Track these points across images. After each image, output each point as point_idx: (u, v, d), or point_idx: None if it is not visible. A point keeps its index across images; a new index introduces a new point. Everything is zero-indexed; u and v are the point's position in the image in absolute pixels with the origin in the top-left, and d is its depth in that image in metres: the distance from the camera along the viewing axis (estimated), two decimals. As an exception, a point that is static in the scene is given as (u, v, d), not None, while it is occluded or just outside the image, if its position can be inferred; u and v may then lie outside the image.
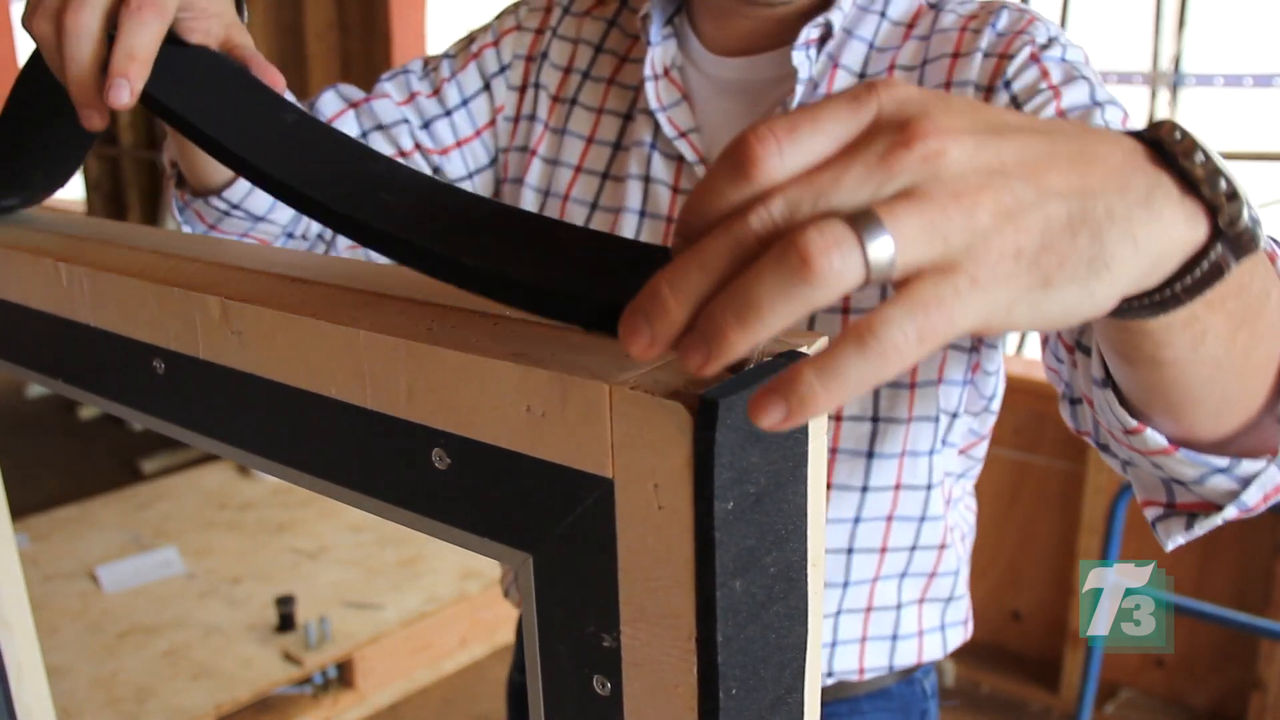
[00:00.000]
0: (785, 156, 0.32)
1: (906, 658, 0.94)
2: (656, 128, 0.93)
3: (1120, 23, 3.04)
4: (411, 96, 0.98)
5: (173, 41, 0.60)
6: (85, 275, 0.58)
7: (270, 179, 0.47)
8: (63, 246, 0.63)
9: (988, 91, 0.81)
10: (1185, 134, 0.39)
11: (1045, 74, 0.80)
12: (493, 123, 1.00)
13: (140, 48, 0.56)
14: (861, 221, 0.31)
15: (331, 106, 0.97)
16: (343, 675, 2.74)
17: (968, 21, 0.86)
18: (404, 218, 0.43)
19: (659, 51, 0.93)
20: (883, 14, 0.89)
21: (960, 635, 0.99)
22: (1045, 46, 0.82)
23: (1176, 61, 2.78)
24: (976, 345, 0.88)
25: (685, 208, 0.34)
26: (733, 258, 0.32)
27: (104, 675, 2.56)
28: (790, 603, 0.38)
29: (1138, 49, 2.83)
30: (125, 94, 0.55)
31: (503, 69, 1.00)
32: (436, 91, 0.99)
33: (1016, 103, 0.79)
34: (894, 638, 0.93)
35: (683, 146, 0.91)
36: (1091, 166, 0.35)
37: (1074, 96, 0.78)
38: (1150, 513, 0.66)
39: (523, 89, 0.99)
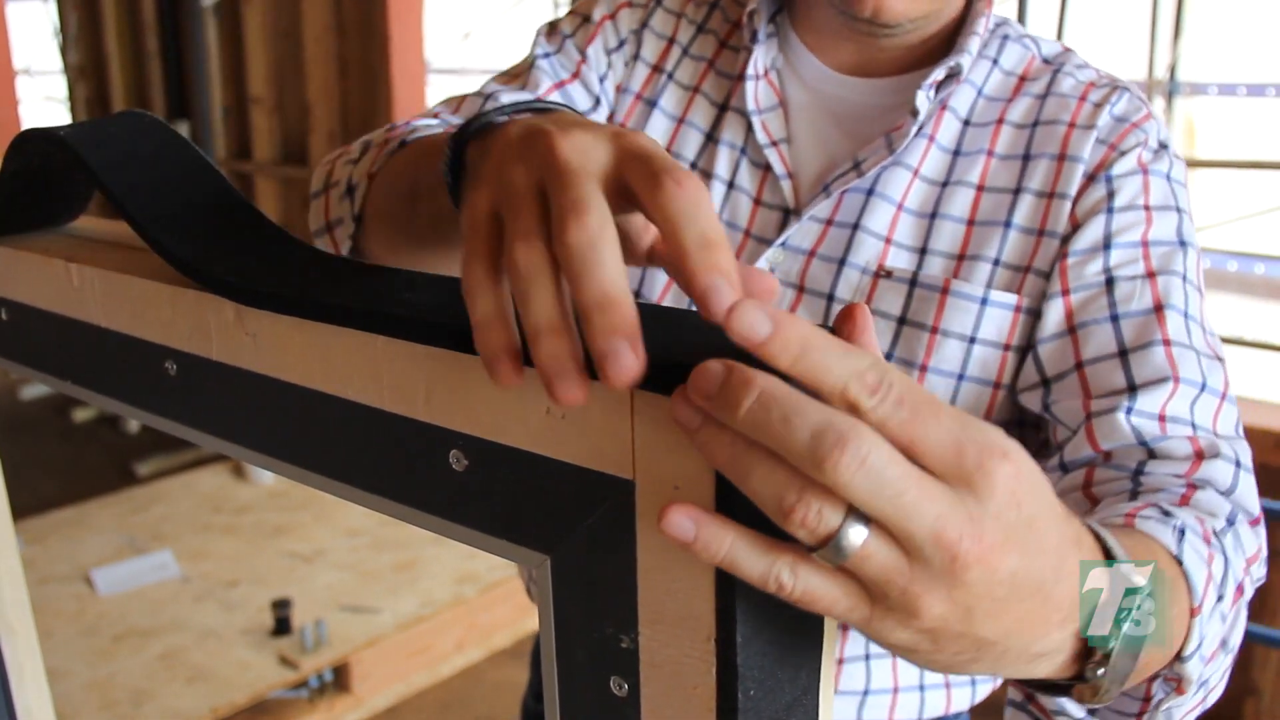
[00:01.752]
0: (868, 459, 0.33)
1: (935, 708, 0.92)
2: (748, 131, 0.89)
3: (1116, 30, 3.05)
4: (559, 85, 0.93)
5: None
6: (97, 276, 0.58)
7: (301, 301, 0.46)
8: (74, 248, 0.63)
9: (1089, 179, 0.80)
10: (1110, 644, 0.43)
11: (1146, 189, 0.80)
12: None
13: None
14: (848, 532, 0.34)
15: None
16: (339, 679, 2.73)
17: (1087, 90, 0.84)
18: (432, 309, 0.43)
19: (761, 51, 0.89)
20: (995, 61, 0.87)
21: (989, 686, 0.96)
22: (1156, 154, 0.81)
23: (1172, 70, 2.79)
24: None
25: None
26: (773, 436, 0.33)
27: (99, 678, 2.55)
28: (807, 604, 0.38)
29: (1134, 57, 2.84)
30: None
31: (621, 43, 0.95)
32: (576, 74, 0.93)
33: (1111, 202, 0.79)
34: (921, 688, 0.91)
35: (772, 156, 0.87)
36: (1035, 620, 0.39)
37: (1162, 229, 0.79)
38: (1012, 695, 0.68)
39: (627, 63, 0.95)
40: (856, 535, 0.34)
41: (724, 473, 0.34)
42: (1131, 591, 0.43)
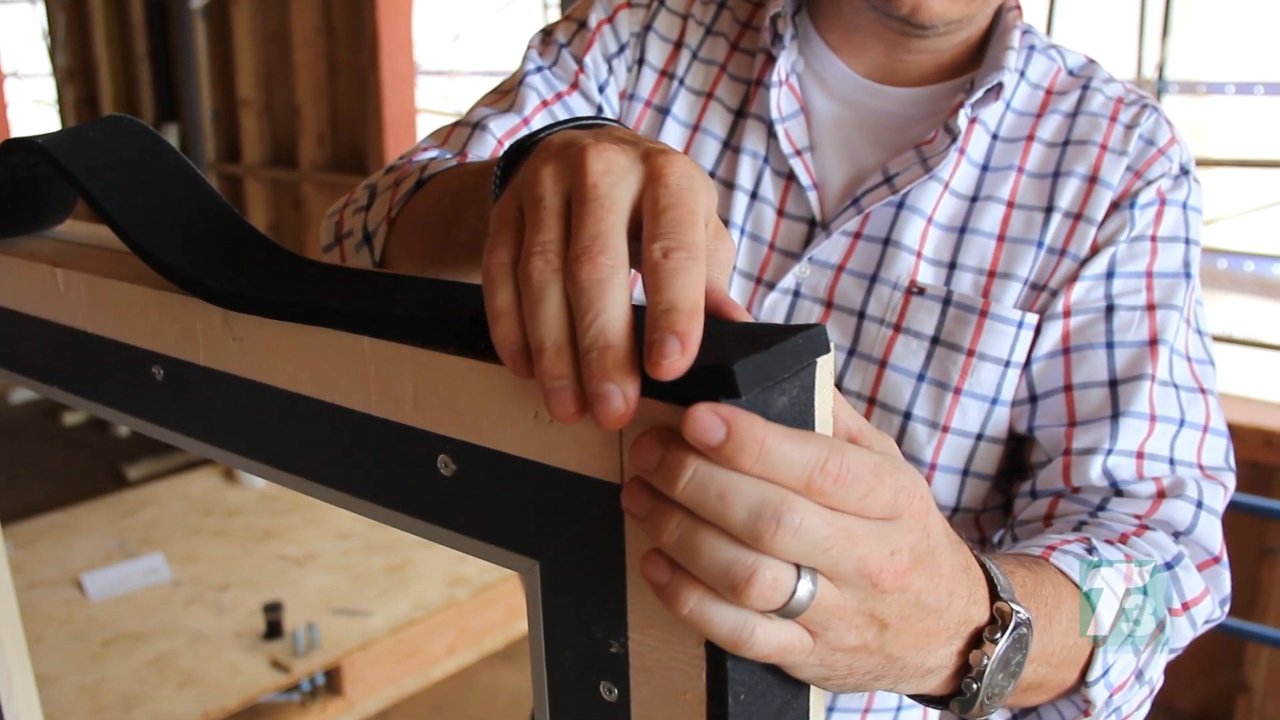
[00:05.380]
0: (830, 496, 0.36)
1: None
2: (769, 139, 0.86)
3: (1105, 30, 3.06)
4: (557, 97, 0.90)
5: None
6: (83, 281, 0.58)
7: (287, 305, 0.46)
8: (59, 252, 0.62)
9: (1114, 207, 0.80)
10: (989, 663, 0.47)
11: (1158, 220, 0.80)
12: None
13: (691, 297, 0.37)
14: (801, 588, 0.36)
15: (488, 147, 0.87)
16: (331, 682, 2.73)
17: (1117, 109, 0.84)
18: (424, 307, 0.43)
19: (784, 56, 0.86)
20: (1022, 73, 0.86)
21: None
22: (1176, 181, 0.81)
23: (1161, 69, 2.79)
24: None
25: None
26: (711, 512, 0.35)
27: (90, 683, 2.54)
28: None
29: (1123, 56, 2.84)
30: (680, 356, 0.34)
31: (621, 48, 0.91)
32: (574, 85, 0.90)
33: (1130, 229, 0.79)
34: None
35: (796, 166, 0.85)
36: (929, 637, 0.43)
37: (1168, 260, 0.80)
38: None
39: (629, 67, 0.91)
40: (807, 587, 0.36)
41: (674, 558, 0.35)
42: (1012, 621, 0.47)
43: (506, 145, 0.85)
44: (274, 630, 2.70)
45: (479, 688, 2.90)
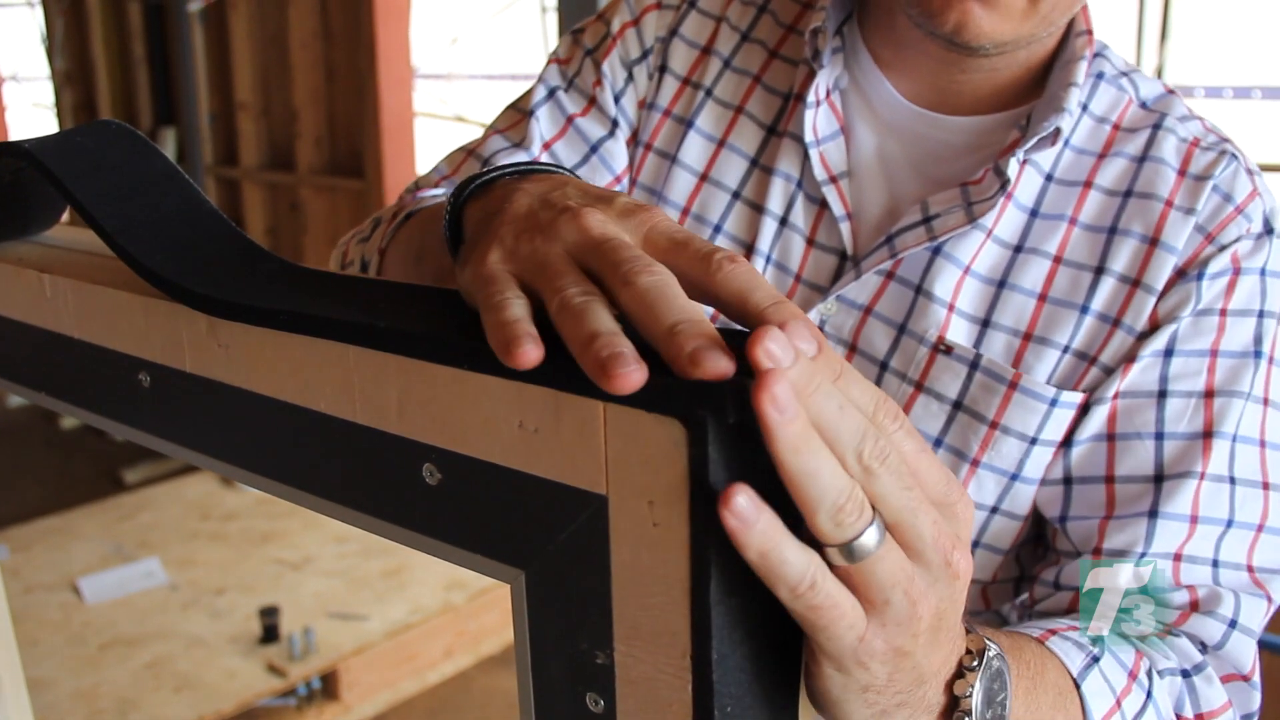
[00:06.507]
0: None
1: None
2: (804, 160, 0.79)
3: (1103, 33, 3.06)
4: (568, 121, 0.86)
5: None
6: (69, 287, 0.57)
7: (272, 312, 0.46)
8: (47, 258, 0.62)
9: (1179, 274, 0.72)
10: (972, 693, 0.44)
11: (1229, 291, 0.72)
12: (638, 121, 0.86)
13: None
14: (870, 533, 0.35)
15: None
16: (327, 686, 2.72)
17: (1190, 155, 0.74)
18: (406, 319, 0.42)
19: (825, 74, 0.78)
20: (1084, 106, 0.77)
21: None
22: (1256, 243, 0.72)
23: (1159, 73, 2.79)
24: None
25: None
26: (829, 422, 0.34)
27: (85, 687, 2.53)
28: (785, 619, 0.38)
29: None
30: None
31: (645, 54, 0.85)
32: (591, 101, 0.85)
33: (1196, 301, 0.71)
34: None
35: (830, 194, 0.78)
36: (949, 662, 0.42)
37: (1236, 337, 0.72)
38: None
39: (651, 74, 0.85)
40: (874, 535, 0.35)
41: (794, 459, 0.33)
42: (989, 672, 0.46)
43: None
44: (270, 634, 2.70)
45: (475, 692, 2.89)
